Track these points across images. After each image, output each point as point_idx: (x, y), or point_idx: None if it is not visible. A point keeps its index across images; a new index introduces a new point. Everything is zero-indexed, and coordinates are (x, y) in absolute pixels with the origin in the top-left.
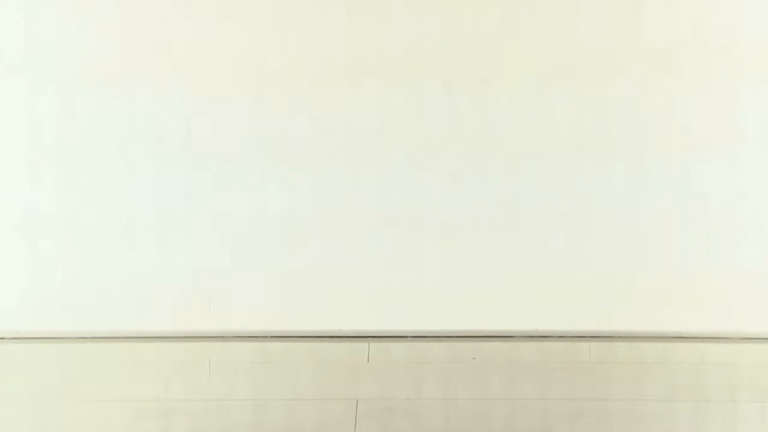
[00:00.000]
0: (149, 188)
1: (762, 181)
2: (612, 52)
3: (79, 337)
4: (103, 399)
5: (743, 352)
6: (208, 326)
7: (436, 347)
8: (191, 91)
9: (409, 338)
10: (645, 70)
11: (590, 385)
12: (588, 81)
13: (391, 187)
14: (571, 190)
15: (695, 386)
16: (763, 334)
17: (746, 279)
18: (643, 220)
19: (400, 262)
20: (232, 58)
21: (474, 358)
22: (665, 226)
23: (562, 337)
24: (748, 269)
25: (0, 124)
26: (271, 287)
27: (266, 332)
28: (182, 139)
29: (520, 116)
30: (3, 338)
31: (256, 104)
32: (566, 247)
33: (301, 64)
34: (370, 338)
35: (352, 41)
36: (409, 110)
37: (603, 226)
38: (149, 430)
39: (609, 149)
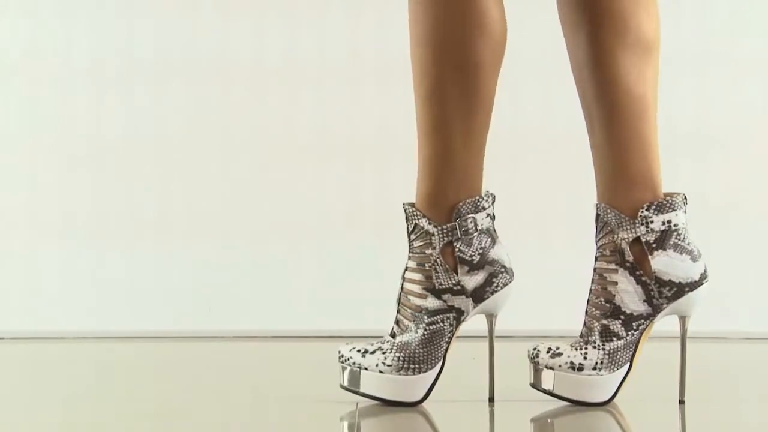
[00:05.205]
0: (150, 187)
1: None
2: None
3: (79, 337)
4: (103, 399)
5: (743, 352)
6: (208, 326)
7: None
8: (192, 90)
9: None
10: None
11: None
12: None
13: (392, 186)
14: (570, 187)
15: (695, 386)
16: (763, 334)
17: (746, 279)
18: None
19: (400, 263)
20: (232, 57)
21: (474, 358)
22: None
23: (562, 337)
24: (748, 269)
25: (0, 123)
26: (271, 287)
27: (266, 332)
28: (184, 139)
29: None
30: (3, 338)
31: (257, 102)
32: (565, 247)
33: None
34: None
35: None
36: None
37: None
38: (149, 430)
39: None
